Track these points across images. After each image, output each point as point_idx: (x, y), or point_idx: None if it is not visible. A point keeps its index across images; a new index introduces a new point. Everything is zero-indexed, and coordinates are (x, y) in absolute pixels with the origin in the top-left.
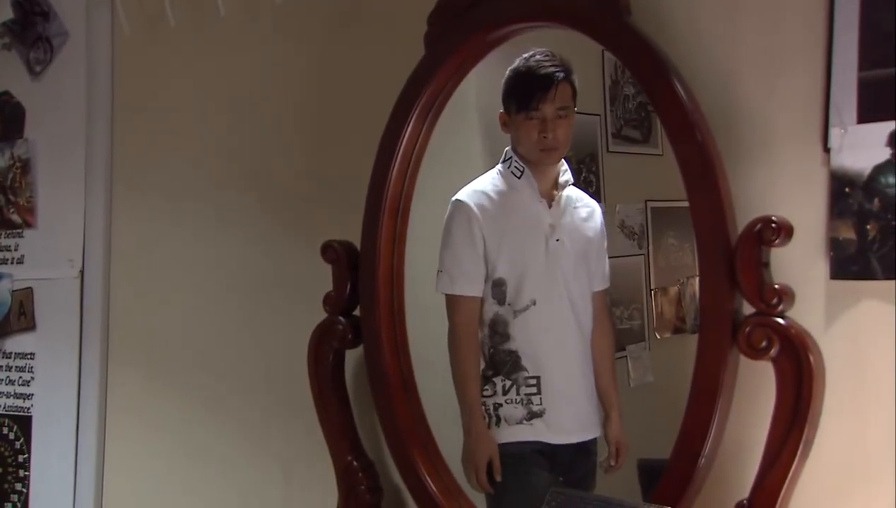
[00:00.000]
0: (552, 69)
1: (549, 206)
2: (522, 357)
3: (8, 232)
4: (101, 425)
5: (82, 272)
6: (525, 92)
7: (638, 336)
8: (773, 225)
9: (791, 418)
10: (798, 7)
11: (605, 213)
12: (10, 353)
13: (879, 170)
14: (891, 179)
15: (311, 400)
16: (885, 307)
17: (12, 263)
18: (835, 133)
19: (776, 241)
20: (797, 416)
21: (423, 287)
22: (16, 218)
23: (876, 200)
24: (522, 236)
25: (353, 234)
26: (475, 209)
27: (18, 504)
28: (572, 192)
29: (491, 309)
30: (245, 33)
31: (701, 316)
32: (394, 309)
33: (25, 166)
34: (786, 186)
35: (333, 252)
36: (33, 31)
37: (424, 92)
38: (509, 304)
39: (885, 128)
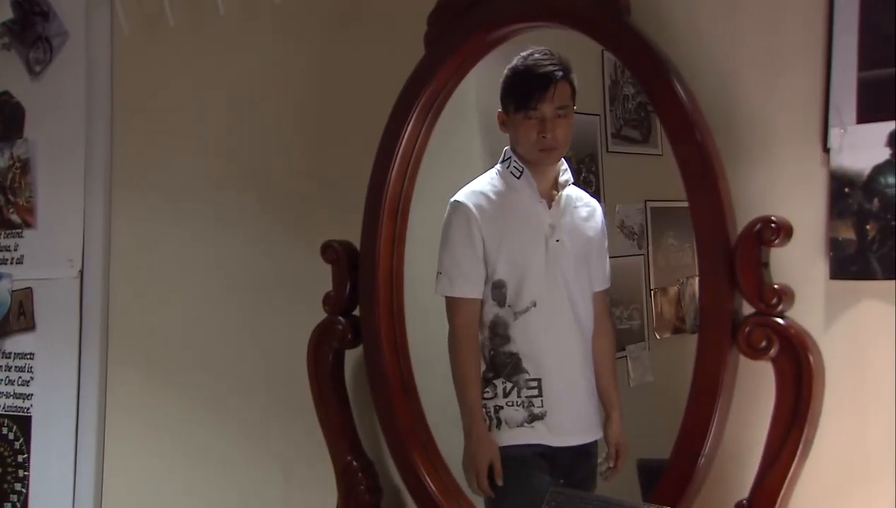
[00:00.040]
0: (551, 68)
1: (549, 206)
2: (523, 359)
3: (7, 232)
4: (100, 425)
5: (82, 272)
6: (523, 91)
7: (638, 336)
8: (773, 225)
9: (791, 418)
10: (798, 7)
11: (605, 213)
12: (10, 353)
13: (879, 170)
14: (890, 179)
15: (311, 400)
16: (885, 307)
17: (12, 263)
18: (834, 133)
19: (776, 241)
20: (797, 416)
21: (423, 287)
22: (15, 218)
23: (875, 200)
24: (522, 237)
25: (353, 234)
26: (474, 210)
27: (18, 505)
28: (573, 192)
29: (491, 310)
30: (244, 33)
31: (701, 316)
32: (393, 310)
33: (25, 166)
34: (785, 186)
35: (333, 252)
36: (33, 31)
37: (424, 92)
38: (509, 306)
39: (884, 128)
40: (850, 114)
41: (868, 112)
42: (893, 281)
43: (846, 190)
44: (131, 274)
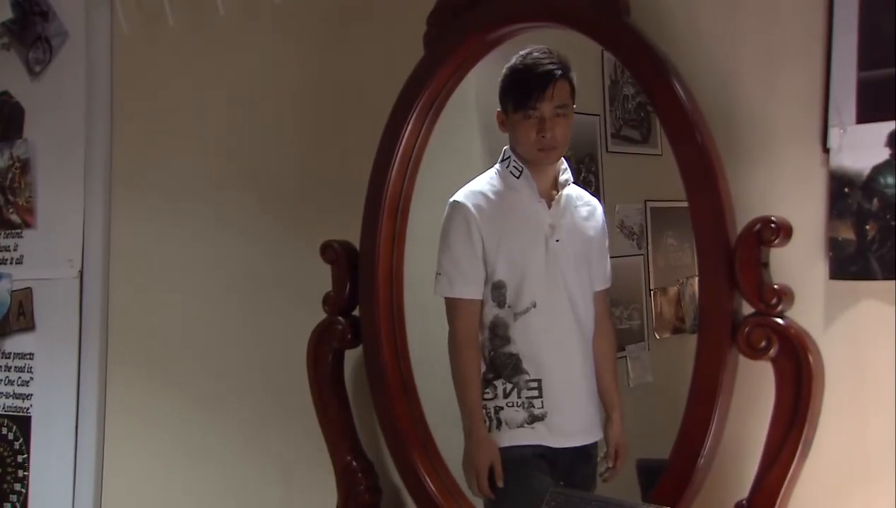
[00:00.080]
0: (550, 66)
1: (549, 206)
2: (523, 359)
3: (7, 232)
4: (100, 425)
5: (81, 272)
6: (522, 90)
7: (637, 336)
8: (773, 225)
9: (790, 418)
10: (797, 7)
11: (605, 212)
12: (10, 353)
13: (879, 170)
14: (890, 179)
15: (311, 401)
16: (885, 307)
17: (11, 263)
18: (834, 133)
19: (775, 241)
20: (796, 416)
21: (423, 287)
22: (15, 218)
23: (875, 200)
24: (522, 237)
25: (352, 234)
26: (473, 210)
27: (17, 505)
28: (573, 191)
29: (491, 311)
30: (244, 33)
31: (700, 316)
32: (393, 309)
33: (25, 166)
34: (785, 186)
35: (333, 252)
36: (32, 31)
37: (424, 92)
38: (509, 307)
39: (884, 128)
40: (850, 114)
41: (868, 112)
42: (893, 281)
43: (846, 190)
44: (131, 274)
